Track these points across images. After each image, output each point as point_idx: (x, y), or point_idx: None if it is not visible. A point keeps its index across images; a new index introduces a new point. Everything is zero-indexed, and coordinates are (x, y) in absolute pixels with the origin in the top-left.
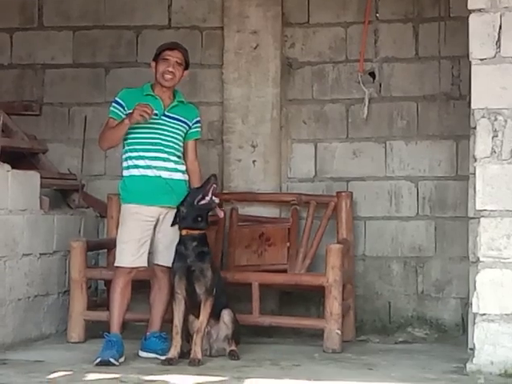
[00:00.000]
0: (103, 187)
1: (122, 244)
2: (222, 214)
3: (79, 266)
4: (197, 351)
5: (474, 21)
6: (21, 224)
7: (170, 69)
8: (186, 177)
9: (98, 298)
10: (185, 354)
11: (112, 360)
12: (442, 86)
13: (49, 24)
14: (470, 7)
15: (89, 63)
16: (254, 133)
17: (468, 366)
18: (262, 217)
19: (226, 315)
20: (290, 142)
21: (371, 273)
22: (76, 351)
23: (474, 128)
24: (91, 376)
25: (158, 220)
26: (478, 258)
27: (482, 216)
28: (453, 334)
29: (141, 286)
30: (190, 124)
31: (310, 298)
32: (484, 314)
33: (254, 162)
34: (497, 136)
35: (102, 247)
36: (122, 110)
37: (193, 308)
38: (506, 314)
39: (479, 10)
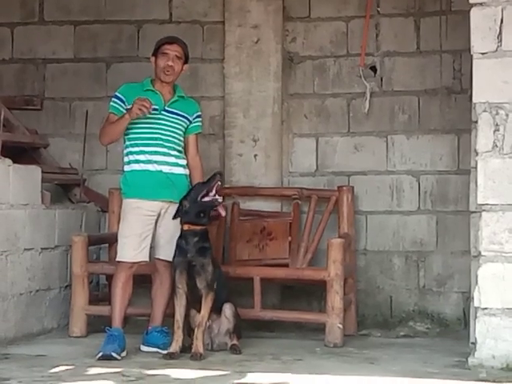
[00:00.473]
0: (104, 182)
1: (123, 239)
2: (224, 213)
3: (81, 261)
4: (198, 345)
5: (475, 14)
6: (22, 219)
7: (170, 63)
8: (187, 171)
9: (100, 293)
10: (186, 349)
11: (114, 354)
12: (443, 80)
13: (50, 18)
14: (471, 1)
15: (90, 58)
16: (256, 127)
17: (469, 360)
18: (264, 211)
19: (228, 309)
20: (291, 137)
21: (373, 267)
22: (78, 345)
23: (476, 122)
24: (93, 370)
25: (159, 214)
26: (480, 252)
27: (484, 210)
28: (454, 328)
29: (142, 280)
30: (191, 118)
31: (312, 293)
32: (485, 308)
33: (255, 156)
34: (498, 130)
35: (104, 242)
36: (122, 104)
37: (194, 302)
38: (507, 308)
39: (480, 4)
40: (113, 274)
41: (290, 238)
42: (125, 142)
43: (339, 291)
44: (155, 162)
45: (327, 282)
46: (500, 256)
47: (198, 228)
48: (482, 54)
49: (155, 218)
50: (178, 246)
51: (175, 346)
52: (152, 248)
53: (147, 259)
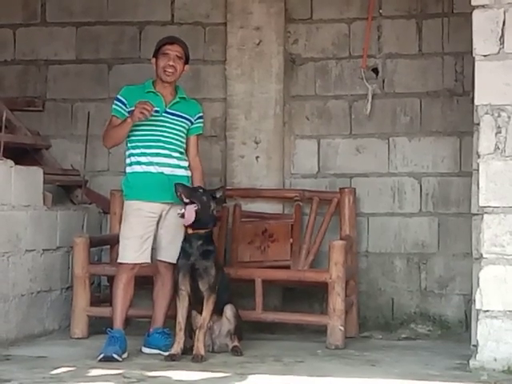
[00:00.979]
0: (106, 183)
1: (124, 240)
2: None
3: (82, 262)
4: (199, 347)
5: (477, 17)
6: (24, 220)
7: (171, 63)
8: (188, 173)
9: (101, 294)
10: (187, 350)
11: (115, 356)
12: (445, 83)
13: (52, 20)
14: (473, 3)
15: (92, 59)
16: (257, 129)
17: (471, 362)
18: (265, 213)
19: (229, 310)
20: (293, 138)
21: (374, 269)
22: (79, 347)
23: (478, 124)
24: (94, 372)
25: (160, 216)
26: (482, 255)
27: (486, 212)
28: (456, 331)
29: (144, 281)
30: (192, 120)
31: (313, 294)
32: (487, 311)
33: (257, 158)
34: (500, 132)
35: (105, 243)
36: (124, 107)
37: (196, 304)
38: (509, 311)
39: (483, 6)
40: (114, 275)
41: (291, 240)
42: (127, 144)
43: (341, 293)
44: (157, 163)
45: (329, 283)
46: (502, 258)
47: (203, 231)
48: (484, 56)
49: (156, 219)
50: (182, 248)
51: (177, 348)
52: (154, 249)
53: (149, 261)
